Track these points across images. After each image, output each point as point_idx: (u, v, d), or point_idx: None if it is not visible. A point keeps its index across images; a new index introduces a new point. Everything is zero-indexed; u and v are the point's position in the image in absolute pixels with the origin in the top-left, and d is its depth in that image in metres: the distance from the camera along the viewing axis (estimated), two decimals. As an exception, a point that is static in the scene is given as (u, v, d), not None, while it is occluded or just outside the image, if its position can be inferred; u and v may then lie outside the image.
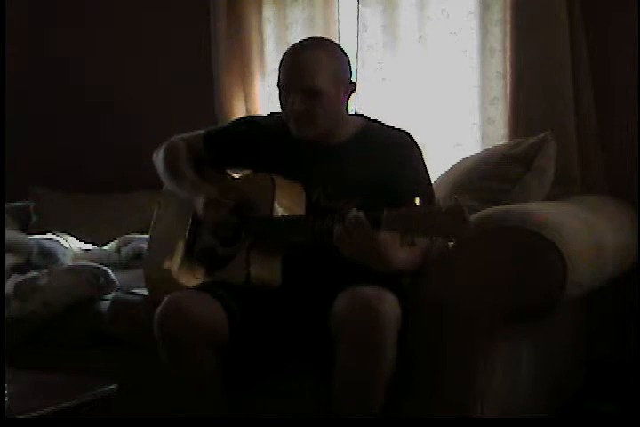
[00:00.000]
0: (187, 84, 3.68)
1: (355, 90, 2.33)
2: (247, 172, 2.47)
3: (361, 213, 1.97)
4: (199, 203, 2.32)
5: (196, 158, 2.48)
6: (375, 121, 2.40)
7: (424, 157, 2.36)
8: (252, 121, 2.52)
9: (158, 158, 2.53)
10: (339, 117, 2.32)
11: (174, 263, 2.45)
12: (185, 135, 2.54)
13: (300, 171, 2.31)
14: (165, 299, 2.18)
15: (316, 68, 2.23)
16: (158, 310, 2.17)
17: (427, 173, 2.33)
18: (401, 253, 2.05)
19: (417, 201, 1.89)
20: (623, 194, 2.90)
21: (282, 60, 2.30)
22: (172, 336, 2.15)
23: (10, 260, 3.00)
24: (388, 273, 2.11)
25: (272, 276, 2.23)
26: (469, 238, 1.96)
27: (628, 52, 2.92)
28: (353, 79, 2.32)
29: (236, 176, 2.51)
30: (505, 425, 2.26)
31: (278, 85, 2.29)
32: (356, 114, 2.43)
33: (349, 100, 2.34)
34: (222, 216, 2.28)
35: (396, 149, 2.31)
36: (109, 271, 2.75)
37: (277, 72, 2.31)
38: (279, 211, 2.23)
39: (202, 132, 2.52)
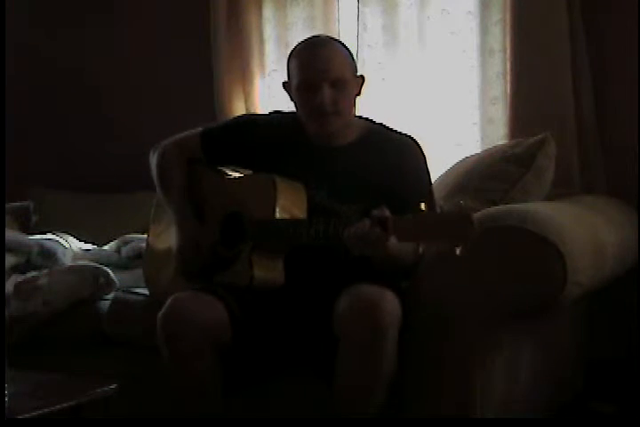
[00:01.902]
0: (187, 84, 3.68)
1: (363, 83, 2.34)
2: (247, 171, 2.47)
3: (375, 222, 1.97)
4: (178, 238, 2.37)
5: (191, 160, 2.47)
6: (379, 124, 2.40)
7: (428, 165, 2.36)
8: (252, 119, 2.50)
9: (152, 164, 2.52)
10: (352, 114, 2.32)
11: (174, 264, 2.45)
12: (182, 135, 2.52)
13: (304, 171, 2.30)
14: (168, 300, 2.19)
15: (340, 60, 2.27)
16: (161, 310, 2.17)
17: (429, 179, 2.34)
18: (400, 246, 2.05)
19: (423, 206, 1.89)
20: (623, 194, 2.89)
21: (297, 59, 2.29)
22: (174, 337, 2.14)
23: (10, 260, 3.00)
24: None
25: (275, 277, 2.23)
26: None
27: (628, 52, 2.92)
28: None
29: (237, 175, 2.51)
30: (505, 425, 2.26)
31: (295, 83, 2.27)
32: (359, 117, 2.43)
33: (359, 96, 2.34)
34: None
35: (400, 154, 2.31)
36: (109, 271, 2.75)
37: (291, 71, 2.29)
38: (280, 213, 2.23)
39: (199, 130, 2.50)
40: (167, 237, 2.50)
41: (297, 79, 2.28)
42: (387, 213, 1.95)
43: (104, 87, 3.87)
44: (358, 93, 2.33)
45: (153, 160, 2.52)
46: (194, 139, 2.48)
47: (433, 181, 2.38)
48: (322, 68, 2.24)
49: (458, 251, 1.85)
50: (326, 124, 2.28)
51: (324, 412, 2.18)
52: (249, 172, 2.45)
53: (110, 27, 3.85)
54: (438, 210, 2.19)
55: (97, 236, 3.35)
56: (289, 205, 2.24)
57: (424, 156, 2.34)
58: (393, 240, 1.96)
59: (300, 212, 2.25)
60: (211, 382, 2.18)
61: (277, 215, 2.22)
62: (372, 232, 1.95)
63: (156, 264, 2.53)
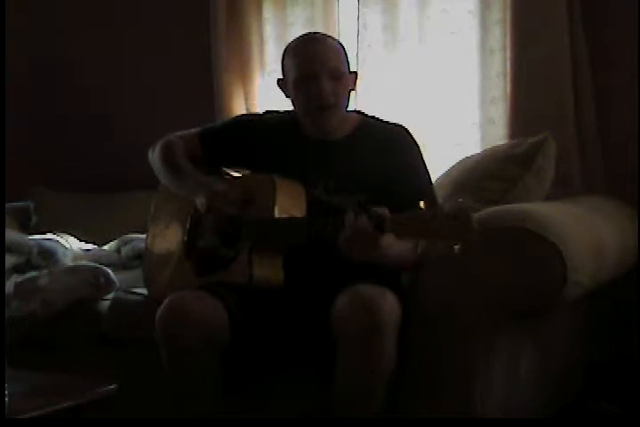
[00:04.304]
0: (187, 84, 3.68)
1: (356, 79, 2.35)
2: (245, 171, 2.47)
3: (366, 222, 1.97)
4: (201, 196, 2.29)
5: (193, 157, 2.47)
6: (371, 116, 2.41)
7: (423, 153, 2.37)
8: (250, 119, 2.51)
9: (154, 155, 2.50)
10: (345, 108, 2.33)
11: (173, 263, 2.45)
12: (182, 133, 2.52)
13: (302, 167, 2.31)
14: (167, 299, 2.18)
15: (336, 53, 2.30)
16: (159, 310, 2.17)
17: (425, 166, 2.35)
18: (397, 246, 2.04)
19: (421, 204, 1.89)
20: (623, 194, 2.89)
21: (293, 54, 2.31)
22: (172, 336, 2.14)
23: (10, 260, 3.00)
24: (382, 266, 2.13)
25: (275, 276, 2.23)
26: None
27: (628, 52, 2.92)
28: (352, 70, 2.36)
29: (236, 175, 2.51)
30: (505, 425, 2.26)
31: (292, 77, 2.28)
32: (352, 110, 2.43)
33: (352, 92, 2.35)
34: (228, 208, 2.26)
35: (395, 145, 2.32)
36: (109, 271, 2.75)
37: (286, 66, 2.31)
38: (279, 212, 2.23)
39: (198, 130, 2.50)
40: (166, 237, 2.51)
41: (294, 73, 2.28)
42: (385, 212, 1.95)
43: (104, 87, 3.87)
44: (353, 89, 2.34)
45: (154, 152, 2.50)
46: (193, 139, 2.48)
47: (433, 181, 2.39)
48: (319, 59, 2.26)
49: (456, 250, 1.84)
50: (324, 119, 2.29)
51: (323, 412, 2.18)
52: (248, 172, 2.45)
53: (110, 27, 3.85)
54: (439, 203, 2.19)
55: (97, 236, 3.35)
56: (288, 204, 2.24)
57: (417, 145, 2.36)
58: (390, 239, 1.96)
59: (298, 211, 2.25)
60: (210, 382, 2.18)
61: (276, 215, 2.22)
62: (366, 237, 1.96)
63: (156, 264, 2.53)
